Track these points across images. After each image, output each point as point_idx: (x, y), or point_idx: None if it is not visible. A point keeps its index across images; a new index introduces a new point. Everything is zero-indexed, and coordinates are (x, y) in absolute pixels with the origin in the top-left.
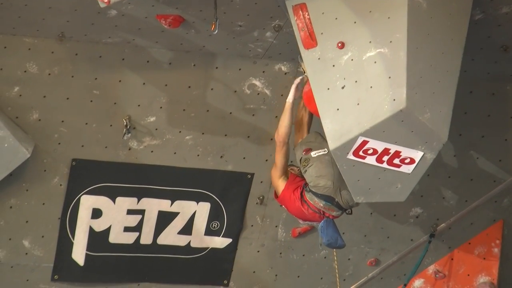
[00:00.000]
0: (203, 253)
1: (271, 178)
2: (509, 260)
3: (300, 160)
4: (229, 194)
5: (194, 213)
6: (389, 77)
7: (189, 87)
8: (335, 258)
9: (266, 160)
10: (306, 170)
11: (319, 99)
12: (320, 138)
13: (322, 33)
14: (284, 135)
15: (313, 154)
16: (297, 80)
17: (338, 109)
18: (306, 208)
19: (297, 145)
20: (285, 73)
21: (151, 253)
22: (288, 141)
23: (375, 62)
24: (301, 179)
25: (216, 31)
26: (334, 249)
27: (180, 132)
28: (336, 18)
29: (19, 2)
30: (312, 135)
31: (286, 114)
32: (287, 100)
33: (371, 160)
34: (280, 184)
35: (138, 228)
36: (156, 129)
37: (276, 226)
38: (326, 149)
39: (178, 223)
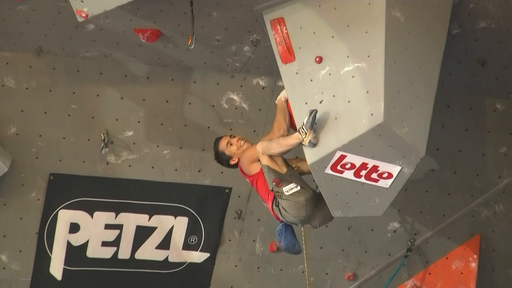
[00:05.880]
0: (181, 267)
1: (247, 151)
2: (487, 274)
3: (273, 189)
4: (206, 209)
5: (172, 227)
6: (367, 92)
7: (167, 101)
8: (306, 270)
9: None
10: (280, 198)
11: (297, 113)
12: (293, 175)
13: (300, 48)
14: (284, 131)
15: (285, 190)
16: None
17: (315, 124)
18: (272, 212)
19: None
20: (263, 88)
21: (129, 268)
22: (287, 133)
23: (353, 76)
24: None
25: (193, 46)
26: (291, 254)
27: (158, 146)
28: (314, 33)
29: None
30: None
31: (281, 112)
32: (277, 100)
33: (349, 174)
34: (255, 165)
35: (116, 242)
36: (134, 143)
37: (253, 241)
38: (294, 183)
39: (156, 238)
